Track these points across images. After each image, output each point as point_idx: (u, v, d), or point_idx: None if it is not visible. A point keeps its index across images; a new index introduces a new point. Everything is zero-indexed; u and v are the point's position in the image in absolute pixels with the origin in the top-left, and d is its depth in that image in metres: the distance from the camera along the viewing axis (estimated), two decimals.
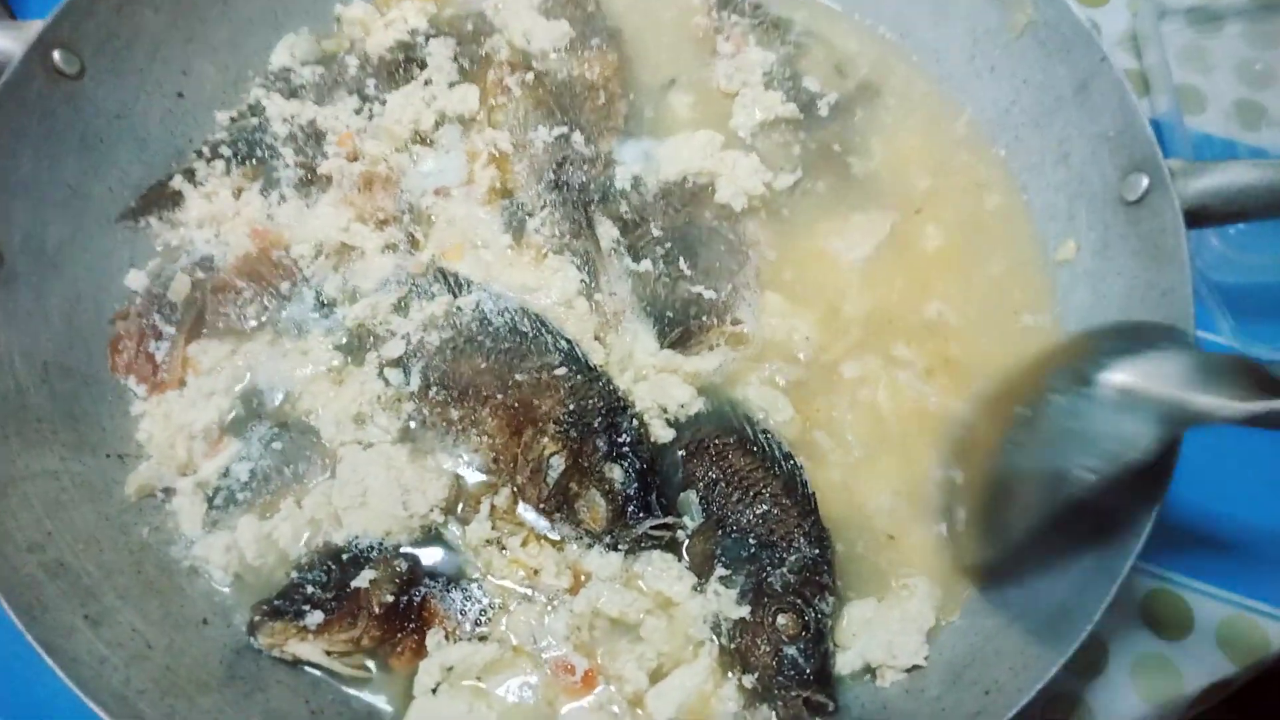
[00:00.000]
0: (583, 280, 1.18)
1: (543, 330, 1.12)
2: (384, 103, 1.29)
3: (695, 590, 1.02)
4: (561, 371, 1.09)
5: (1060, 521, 0.88)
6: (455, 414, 1.09)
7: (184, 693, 0.90)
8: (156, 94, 1.23)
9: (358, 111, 1.29)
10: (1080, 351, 0.93)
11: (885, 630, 1.01)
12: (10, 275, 1.04)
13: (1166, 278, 1.01)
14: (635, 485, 1.03)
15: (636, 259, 1.19)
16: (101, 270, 1.15)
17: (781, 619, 0.98)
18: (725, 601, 1.00)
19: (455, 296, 1.16)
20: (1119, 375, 0.83)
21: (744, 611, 0.99)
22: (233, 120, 1.28)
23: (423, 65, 1.32)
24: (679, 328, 1.13)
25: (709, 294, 1.15)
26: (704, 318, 1.14)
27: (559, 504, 1.04)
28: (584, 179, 1.24)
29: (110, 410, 1.10)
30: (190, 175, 1.23)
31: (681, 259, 1.18)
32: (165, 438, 1.09)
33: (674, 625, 1.01)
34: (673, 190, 1.23)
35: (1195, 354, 0.82)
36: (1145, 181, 1.04)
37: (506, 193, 1.25)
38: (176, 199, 1.22)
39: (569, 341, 1.12)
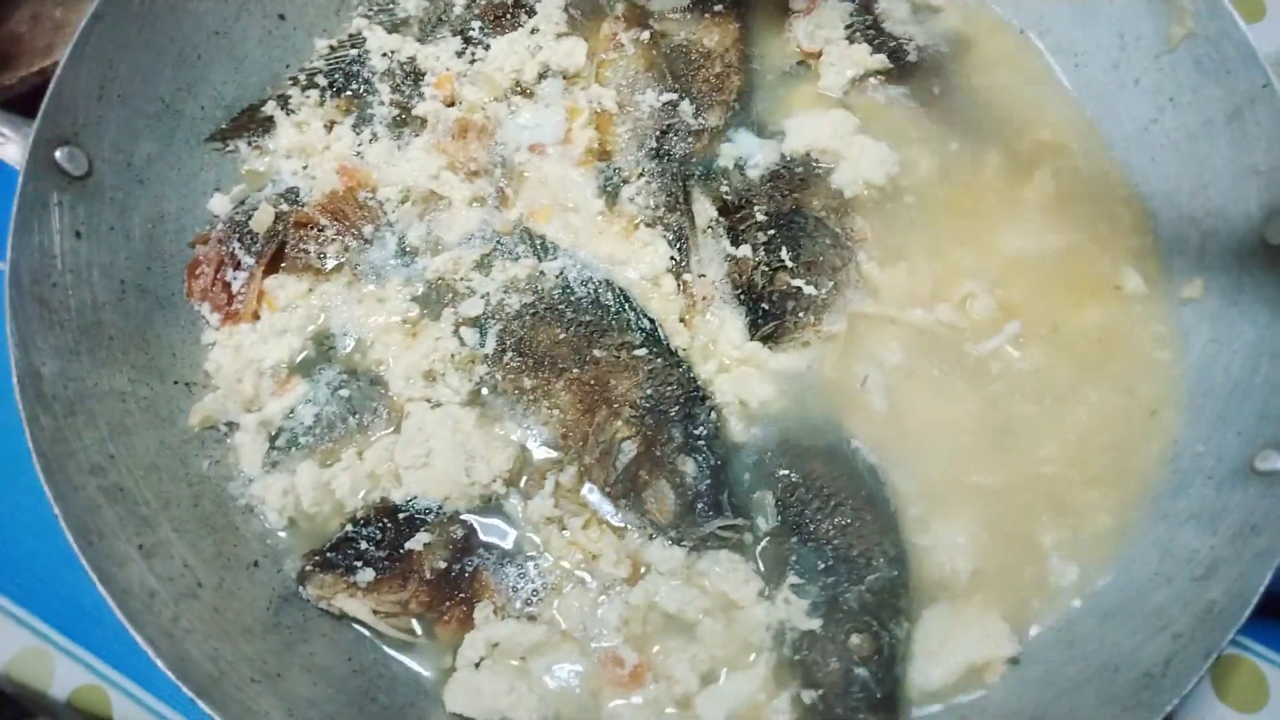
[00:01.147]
0: (673, 257, 1.12)
1: (626, 306, 1.08)
2: (487, 48, 1.23)
3: (762, 596, 0.97)
4: (642, 353, 1.05)
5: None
6: (528, 383, 1.06)
7: (229, 636, 0.88)
8: (258, 13, 1.19)
9: (459, 54, 1.24)
10: None
11: (972, 628, 0.97)
12: (97, 188, 1.02)
13: None
14: (707, 482, 0.99)
15: (735, 242, 1.13)
16: (186, 192, 1.13)
17: (856, 639, 0.94)
18: (795, 611, 0.96)
19: (540, 260, 1.11)
20: None
21: (815, 624, 0.95)
22: (332, 49, 1.24)
23: (531, 12, 1.26)
24: (774, 321, 1.08)
25: (809, 289, 1.09)
26: (801, 314, 1.08)
27: (626, 490, 1.00)
28: (687, 150, 1.18)
29: (182, 336, 1.08)
30: (284, 102, 1.20)
31: (784, 248, 1.11)
32: (234, 370, 1.07)
33: (733, 629, 0.97)
34: (782, 173, 1.17)
35: None
36: None
37: (604, 155, 1.20)
38: (267, 125, 1.19)
39: (652, 321, 1.07)
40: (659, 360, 1.05)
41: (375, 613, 0.97)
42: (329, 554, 0.98)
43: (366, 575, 0.96)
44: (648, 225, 1.15)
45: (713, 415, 1.03)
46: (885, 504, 1.00)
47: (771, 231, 1.12)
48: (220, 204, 1.14)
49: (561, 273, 1.10)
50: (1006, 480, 1.03)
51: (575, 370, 1.05)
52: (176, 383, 1.05)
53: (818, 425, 1.05)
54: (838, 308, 1.09)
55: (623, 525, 1.00)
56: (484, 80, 1.22)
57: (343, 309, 1.12)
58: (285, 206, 1.15)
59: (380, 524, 1.00)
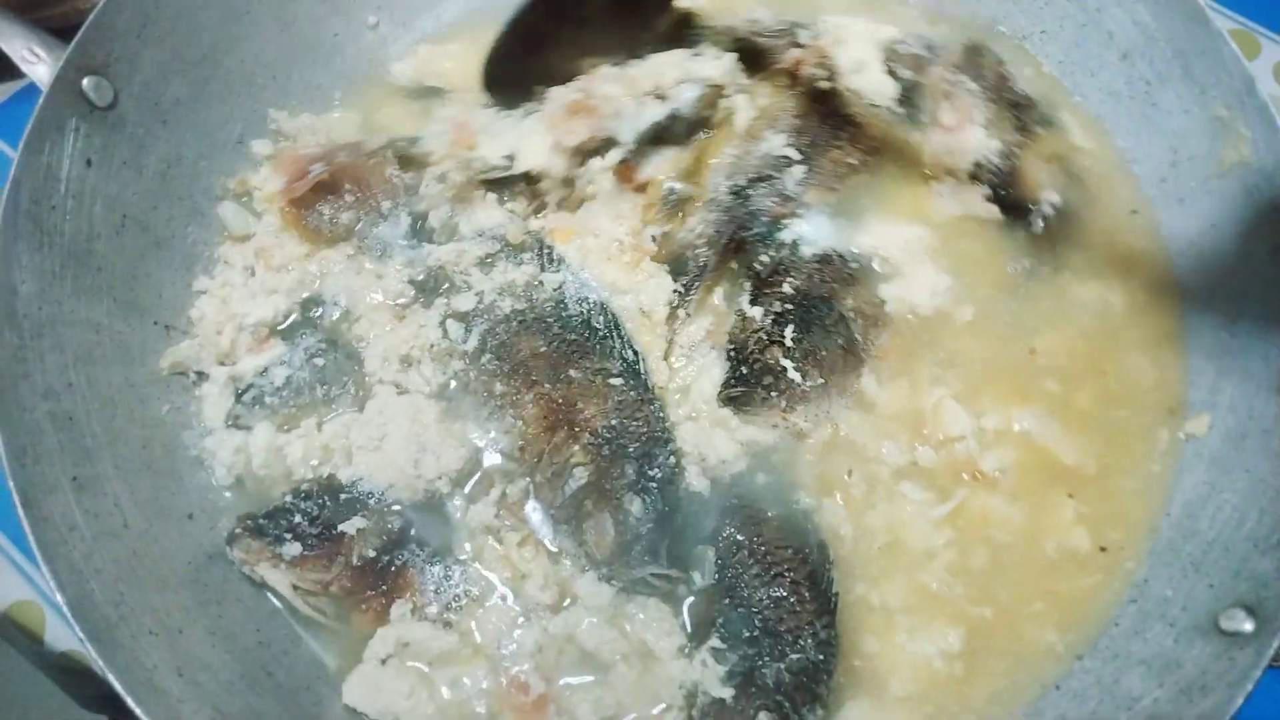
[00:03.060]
0: (677, 290, 1.10)
1: (614, 334, 1.06)
2: (644, 59, 1.21)
3: (682, 652, 0.94)
4: (617, 382, 1.03)
5: None
6: (499, 388, 1.04)
7: (141, 584, 0.88)
8: None
9: (616, 63, 1.21)
10: None
11: None
12: (118, 120, 1.03)
13: None
14: (650, 525, 0.96)
15: (753, 301, 1.10)
16: (209, 140, 1.14)
17: (764, 716, 0.90)
18: (710, 676, 0.92)
19: (543, 269, 1.11)
20: None
21: (727, 694, 0.91)
22: None
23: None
24: (742, 388, 1.04)
25: (795, 376, 1.04)
26: (774, 395, 1.04)
27: (569, 516, 0.98)
28: (765, 207, 1.14)
29: (173, 279, 1.09)
30: None
31: (791, 327, 1.06)
32: (216, 321, 1.08)
33: (645, 679, 0.94)
34: (833, 260, 1.12)
35: None
36: None
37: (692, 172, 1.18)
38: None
39: (636, 353, 1.05)
40: (632, 393, 1.03)
41: (295, 588, 0.96)
42: (262, 520, 0.97)
43: (294, 549, 0.96)
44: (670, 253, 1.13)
45: (671, 460, 1.00)
46: (828, 585, 0.96)
47: (790, 307, 1.08)
48: (229, 209, 1.15)
49: (560, 286, 1.09)
50: (962, 598, 0.98)
51: (547, 385, 1.03)
52: (156, 323, 1.06)
53: (777, 492, 1.01)
54: (817, 408, 1.04)
55: (558, 551, 0.98)
56: (626, 80, 1.19)
57: (339, 278, 1.12)
58: (401, 142, 1.17)
59: (320, 500, 0.99)
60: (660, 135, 1.18)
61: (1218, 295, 1.08)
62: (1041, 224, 1.14)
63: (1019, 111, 1.19)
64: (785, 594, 0.95)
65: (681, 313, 1.10)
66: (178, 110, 1.10)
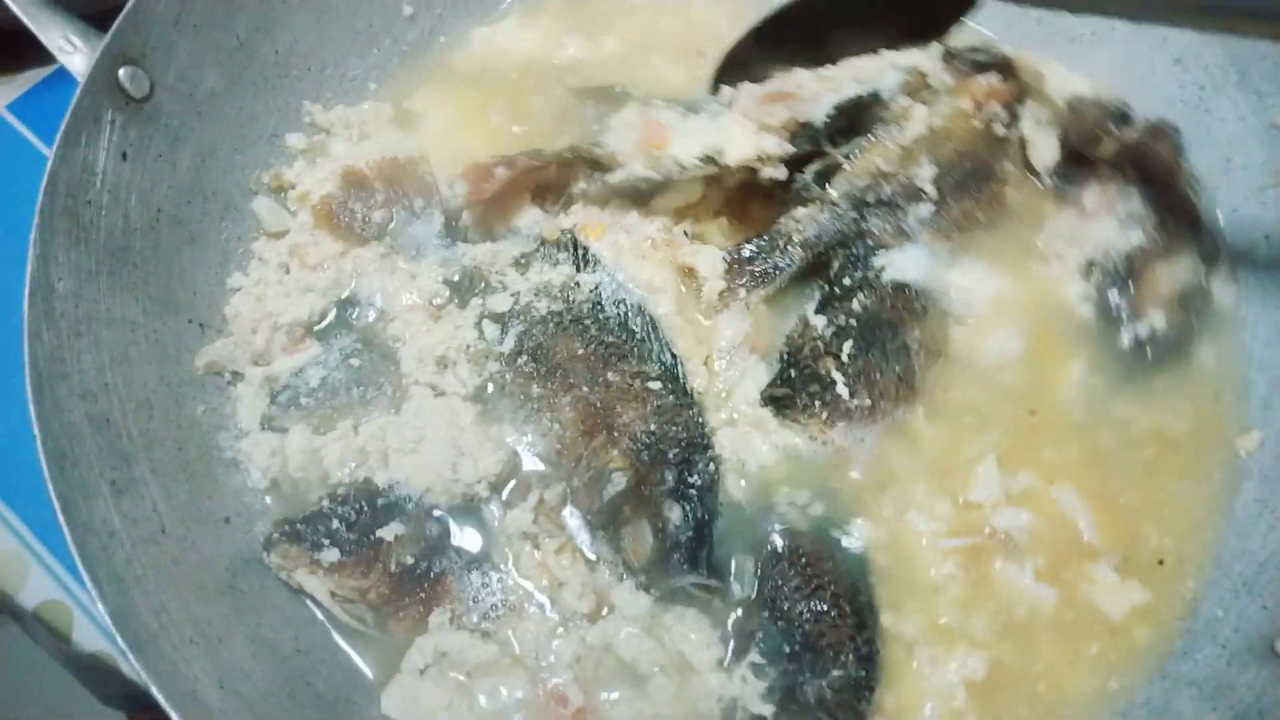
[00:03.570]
0: (721, 294, 1.07)
1: (652, 336, 1.04)
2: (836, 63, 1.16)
3: (721, 666, 0.93)
4: (655, 386, 1.01)
5: None
6: (536, 390, 1.02)
7: (181, 592, 0.87)
8: None
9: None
10: None
11: None
12: (154, 111, 1.01)
13: None
14: (690, 533, 0.94)
15: (818, 310, 1.07)
16: (243, 132, 1.12)
17: None
18: (750, 692, 0.91)
19: (579, 270, 1.09)
20: None
21: (766, 710, 0.90)
22: None
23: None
24: (786, 389, 1.03)
25: (843, 390, 1.02)
26: (816, 404, 1.02)
27: (606, 522, 0.97)
28: (875, 229, 1.10)
29: (207, 276, 1.07)
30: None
31: (851, 342, 1.04)
32: (251, 319, 1.06)
33: (683, 692, 0.93)
34: (908, 290, 1.08)
35: None
36: None
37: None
38: None
39: (675, 357, 1.04)
40: (670, 398, 1.01)
41: (333, 595, 0.95)
42: (300, 525, 0.96)
43: (331, 555, 0.94)
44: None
45: (711, 467, 0.99)
46: (868, 598, 0.95)
47: (854, 323, 1.05)
48: (263, 204, 1.13)
49: (596, 287, 1.07)
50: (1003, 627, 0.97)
51: (585, 388, 1.01)
52: (190, 321, 1.04)
53: (814, 503, 1.00)
54: (860, 429, 1.02)
55: (595, 558, 0.97)
56: (823, 76, 1.15)
57: (374, 278, 1.10)
58: (586, 145, 1.13)
59: (357, 505, 0.97)
60: (854, 123, 1.13)
61: (1270, 308, 1.06)
62: (1132, 342, 1.08)
63: (1173, 215, 1.10)
64: (826, 608, 0.94)
65: (743, 292, 1.08)
66: (212, 102, 1.08)
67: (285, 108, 1.16)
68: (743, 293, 1.08)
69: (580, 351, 1.03)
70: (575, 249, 1.10)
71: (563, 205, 1.15)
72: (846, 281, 1.08)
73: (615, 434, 0.99)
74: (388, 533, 0.96)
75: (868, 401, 1.02)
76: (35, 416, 0.83)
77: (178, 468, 0.96)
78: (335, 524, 0.96)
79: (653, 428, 0.99)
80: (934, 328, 1.08)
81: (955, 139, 1.12)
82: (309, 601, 0.96)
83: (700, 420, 1.01)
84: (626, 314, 1.06)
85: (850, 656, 0.92)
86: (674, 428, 0.99)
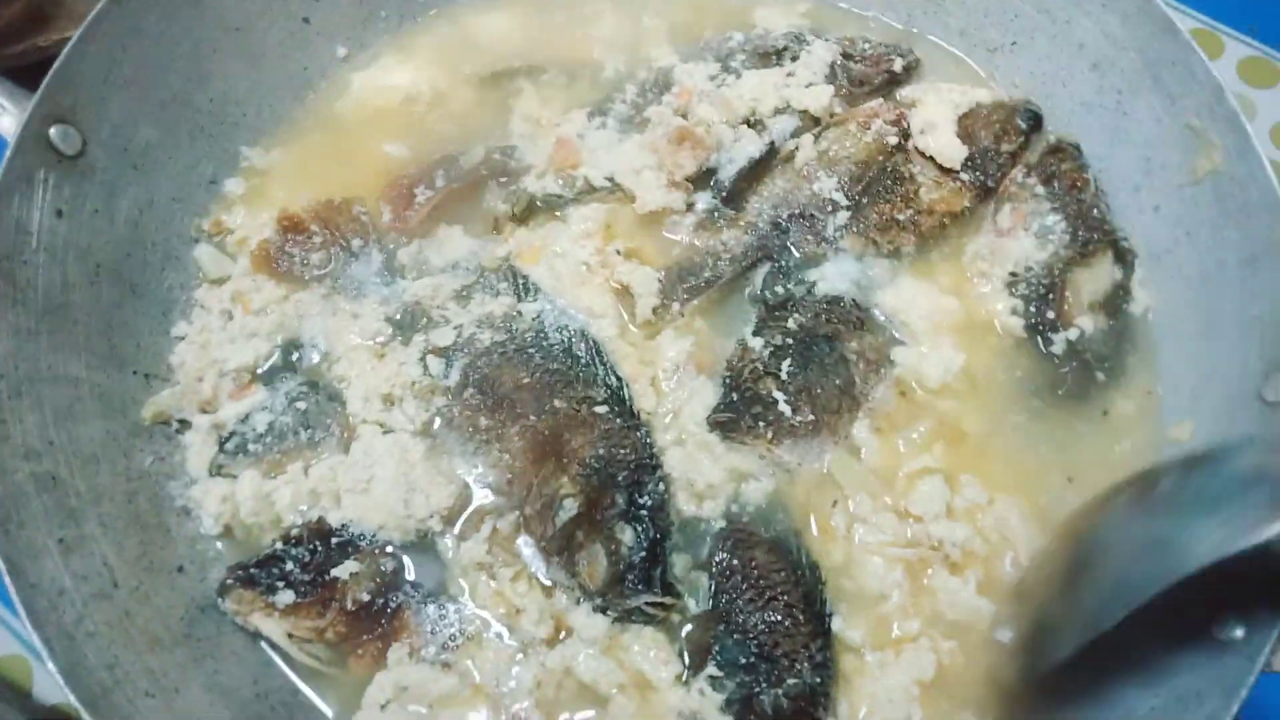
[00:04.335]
0: (659, 280, 1.11)
1: (596, 361, 1.06)
2: (740, 78, 1.24)
3: (679, 681, 0.94)
4: (602, 410, 1.03)
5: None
6: (484, 422, 1.04)
7: (134, 644, 0.88)
8: (282, 14, 1.21)
9: (712, 78, 1.25)
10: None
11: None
12: (87, 167, 1.02)
13: None
14: (642, 554, 0.96)
15: (755, 332, 1.10)
16: (181, 182, 1.13)
17: None
18: (709, 705, 0.93)
19: (520, 299, 1.10)
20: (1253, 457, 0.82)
21: None
22: None
23: (795, 58, 1.26)
24: (730, 414, 1.04)
25: (785, 409, 1.04)
26: (761, 425, 1.04)
27: (560, 548, 0.98)
28: (798, 244, 1.15)
29: (150, 327, 1.08)
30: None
31: (789, 361, 1.06)
32: (196, 368, 1.07)
33: (644, 710, 0.94)
34: (844, 304, 1.11)
35: None
36: None
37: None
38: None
39: (620, 380, 1.05)
40: (618, 421, 1.03)
41: (290, 636, 0.95)
42: (253, 569, 0.97)
43: (286, 597, 0.95)
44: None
45: (661, 487, 1.00)
46: (821, 606, 0.97)
47: (790, 342, 1.08)
48: (204, 252, 1.14)
49: (539, 316, 1.09)
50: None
51: (532, 417, 1.03)
52: (135, 373, 1.05)
53: (768, 515, 1.02)
54: (806, 445, 1.04)
55: (551, 584, 0.98)
56: (722, 103, 1.21)
57: (316, 320, 1.11)
58: (499, 157, 1.20)
59: (311, 546, 0.98)
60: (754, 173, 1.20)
61: (1193, 303, 1.09)
62: (1065, 348, 1.11)
63: (1085, 225, 1.15)
64: (780, 618, 0.96)
65: (675, 306, 1.10)
66: (148, 154, 1.09)
67: (223, 154, 1.18)
68: (676, 306, 1.11)
69: (526, 380, 1.05)
70: (515, 278, 1.11)
71: (492, 228, 1.17)
72: (779, 291, 1.12)
73: (564, 460, 1.00)
74: (342, 571, 0.97)
75: (810, 416, 1.04)
76: None
77: (128, 520, 0.96)
78: (289, 565, 0.97)
79: (601, 452, 1.00)
80: (872, 339, 1.10)
81: (850, 154, 1.18)
82: (266, 645, 0.97)
83: (648, 441, 1.03)
84: (570, 340, 1.07)
85: (805, 665, 0.94)
86: (622, 450, 1.01)
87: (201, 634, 0.94)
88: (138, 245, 1.08)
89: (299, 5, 1.20)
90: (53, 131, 0.98)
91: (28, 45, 1.33)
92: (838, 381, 1.06)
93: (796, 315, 1.10)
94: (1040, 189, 1.17)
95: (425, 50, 1.32)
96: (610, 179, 1.16)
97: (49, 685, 1.11)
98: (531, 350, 1.07)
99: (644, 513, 0.98)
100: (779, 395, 1.05)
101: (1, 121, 0.99)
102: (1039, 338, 1.12)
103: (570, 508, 0.98)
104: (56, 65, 0.99)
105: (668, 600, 0.96)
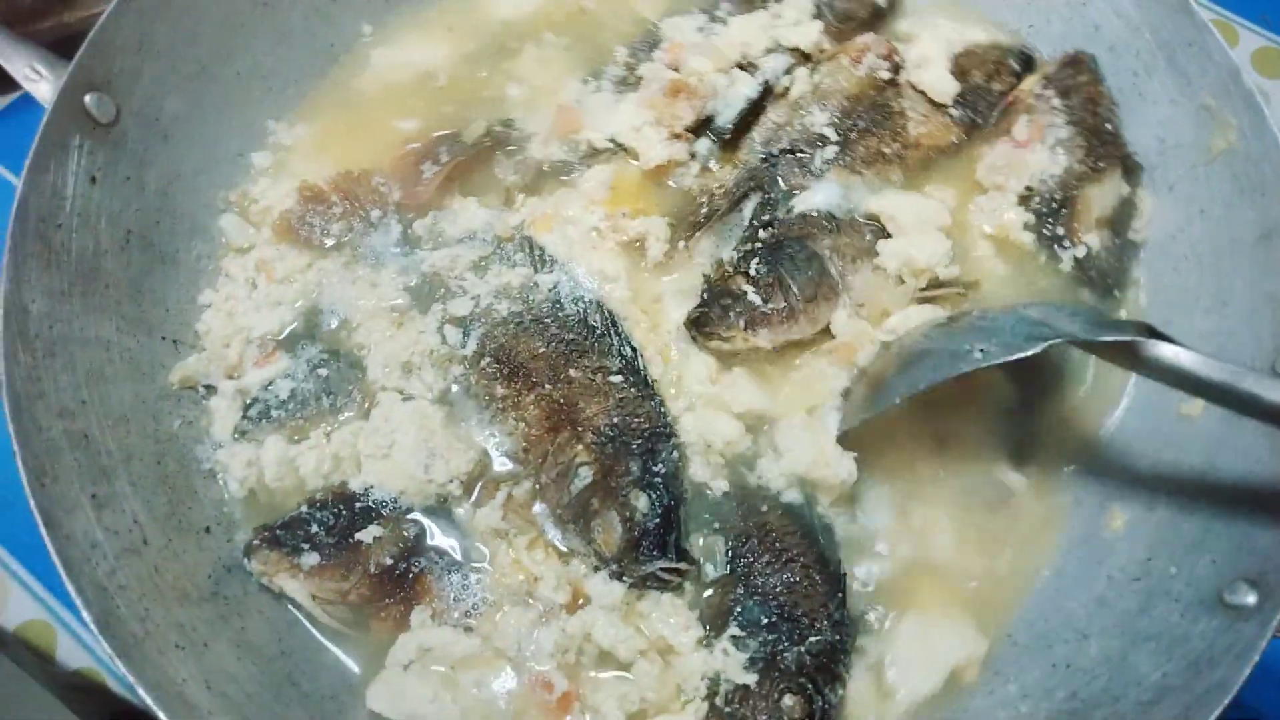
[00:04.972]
0: (670, 224, 1.15)
1: (611, 331, 1.07)
2: (726, 25, 1.27)
3: (701, 644, 0.96)
4: (616, 379, 1.04)
5: None
6: (500, 391, 1.05)
7: (164, 599, 0.89)
8: None
9: (700, 29, 1.28)
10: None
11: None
12: (120, 137, 1.04)
13: None
14: (656, 520, 0.97)
15: (734, 250, 1.13)
16: (209, 153, 1.15)
17: (788, 699, 0.92)
18: (732, 664, 0.94)
19: (536, 271, 1.12)
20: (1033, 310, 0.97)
21: (750, 680, 0.93)
22: None
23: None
24: (701, 309, 1.07)
25: (755, 298, 1.07)
26: (731, 315, 1.06)
27: (576, 515, 0.99)
28: (788, 174, 1.18)
29: (178, 294, 1.10)
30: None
31: (756, 260, 1.09)
32: (223, 334, 1.09)
33: (667, 673, 0.96)
34: (815, 214, 1.14)
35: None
36: None
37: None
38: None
39: (634, 350, 1.07)
40: (632, 390, 1.04)
41: (314, 598, 0.97)
42: (279, 531, 0.98)
43: (311, 559, 0.97)
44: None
45: (674, 454, 1.02)
46: (836, 565, 0.99)
47: (759, 245, 1.12)
48: (229, 221, 1.16)
49: (555, 287, 1.10)
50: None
51: (548, 386, 1.04)
52: (164, 339, 1.06)
53: (779, 478, 1.03)
54: (780, 329, 1.07)
55: (568, 550, 1.00)
56: (712, 52, 1.24)
57: (337, 287, 1.13)
58: (499, 127, 1.21)
59: (335, 509, 1.00)
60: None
61: (1208, 278, 1.10)
62: (1072, 263, 1.14)
63: (1099, 140, 1.17)
64: (798, 579, 0.97)
65: (681, 245, 1.13)
66: (177, 125, 1.11)
67: (249, 128, 1.19)
68: (681, 244, 1.14)
69: (542, 350, 1.06)
70: (532, 249, 1.13)
71: (504, 199, 1.18)
72: (766, 219, 1.15)
73: (580, 429, 1.02)
74: (366, 535, 0.98)
75: (784, 304, 1.07)
76: (14, 435, 0.85)
77: (157, 480, 0.98)
78: (314, 528, 0.98)
79: (616, 420, 1.02)
80: (847, 238, 1.12)
81: (842, 88, 1.22)
82: (290, 605, 0.98)
83: (662, 410, 1.04)
84: (585, 310, 1.09)
85: (825, 622, 0.96)
86: (637, 419, 1.02)
87: (228, 593, 0.96)
88: (166, 214, 1.09)
89: None
90: (88, 99, 1.00)
91: (55, 21, 1.36)
92: (809, 273, 1.09)
93: (770, 229, 1.13)
94: (1057, 100, 1.19)
95: (439, 28, 1.33)
96: (613, 140, 1.19)
97: (73, 650, 1.13)
98: (547, 320, 1.08)
99: (658, 480, 1.00)
100: (747, 288, 1.08)
101: (39, 88, 1.01)
102: (1048, 251, 1.15)
103: (585, 475, 1.00)
104: (92, 34, 1.00)
105: (682, 566, 0.97)
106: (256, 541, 0.98)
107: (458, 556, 1.00)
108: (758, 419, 1.05)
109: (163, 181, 1.09)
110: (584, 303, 1.09)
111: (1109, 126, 1.18)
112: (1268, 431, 0.98)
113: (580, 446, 1.00)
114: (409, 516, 1.01)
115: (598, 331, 1.07)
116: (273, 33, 1.19)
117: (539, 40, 1.31)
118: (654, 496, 0.98)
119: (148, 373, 1.03)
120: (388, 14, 1.30)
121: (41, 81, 1.02)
